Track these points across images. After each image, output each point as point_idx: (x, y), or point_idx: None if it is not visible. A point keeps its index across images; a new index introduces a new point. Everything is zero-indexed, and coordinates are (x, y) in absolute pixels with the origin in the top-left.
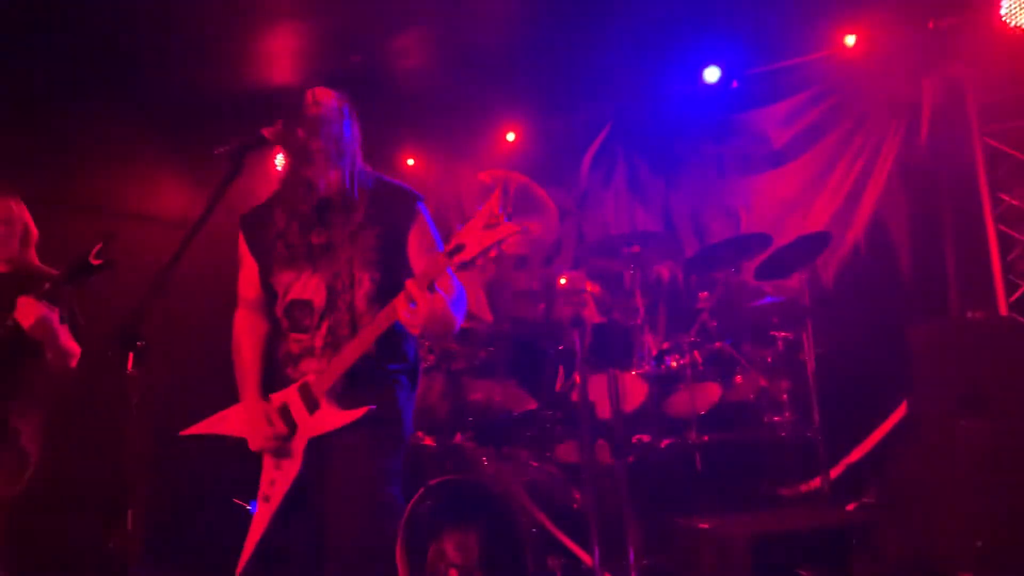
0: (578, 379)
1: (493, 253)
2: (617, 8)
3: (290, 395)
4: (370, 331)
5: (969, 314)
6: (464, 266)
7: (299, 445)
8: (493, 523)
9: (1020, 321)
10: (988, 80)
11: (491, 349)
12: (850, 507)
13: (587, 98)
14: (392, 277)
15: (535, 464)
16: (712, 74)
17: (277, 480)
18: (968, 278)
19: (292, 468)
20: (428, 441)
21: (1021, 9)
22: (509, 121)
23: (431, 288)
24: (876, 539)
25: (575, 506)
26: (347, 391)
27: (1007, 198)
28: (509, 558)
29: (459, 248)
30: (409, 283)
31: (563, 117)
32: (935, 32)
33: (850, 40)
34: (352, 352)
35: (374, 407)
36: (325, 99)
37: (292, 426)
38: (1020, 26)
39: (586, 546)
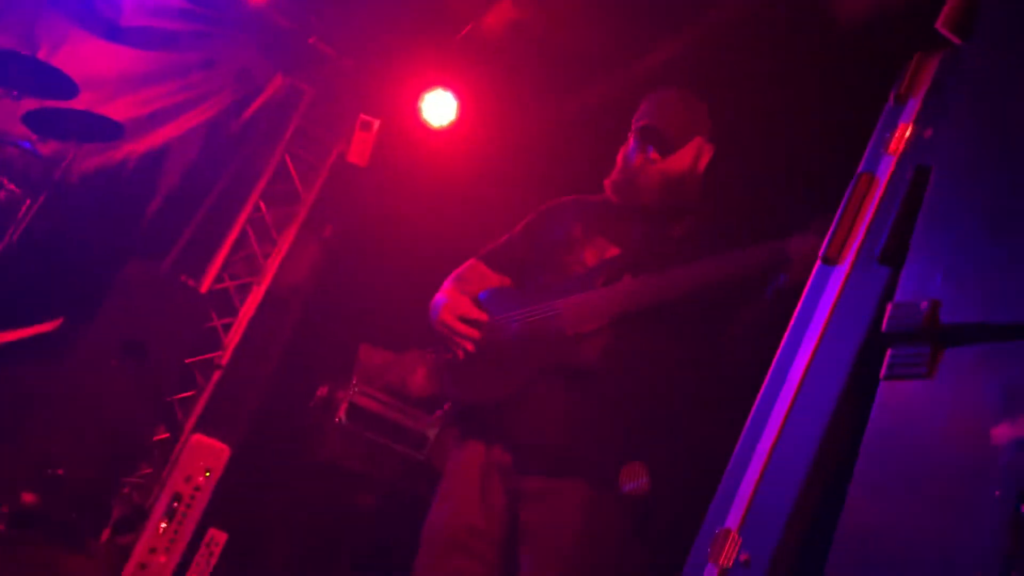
0: None
1: None
2: None
3: None
4: None
5: (184, 278)
6: None
7: None
8: None
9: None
10: (316, 114)
11: None
12: None
13: None
14: None
15: None
16: None
17: None
18: (196, 249)
19: None
20: None
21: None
22: None
23: None
24: None
25: None
26: None
27: (264, 209)
28: None
29: None
30: None
31: None
32: (313, 47)
33: None
34: None
35: None
36: None
37: None
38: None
39: None
